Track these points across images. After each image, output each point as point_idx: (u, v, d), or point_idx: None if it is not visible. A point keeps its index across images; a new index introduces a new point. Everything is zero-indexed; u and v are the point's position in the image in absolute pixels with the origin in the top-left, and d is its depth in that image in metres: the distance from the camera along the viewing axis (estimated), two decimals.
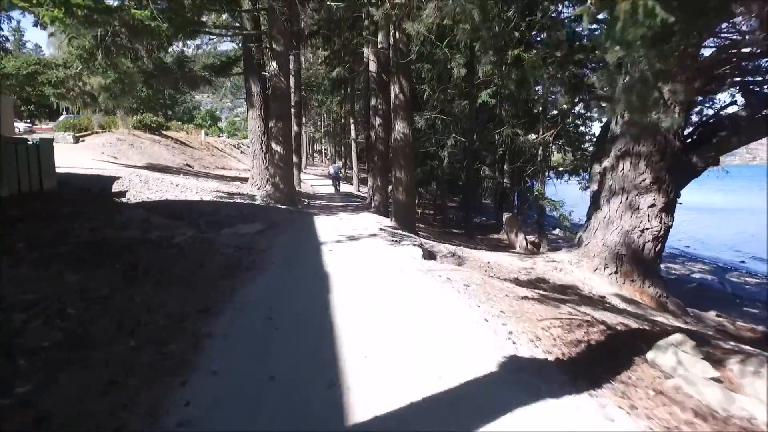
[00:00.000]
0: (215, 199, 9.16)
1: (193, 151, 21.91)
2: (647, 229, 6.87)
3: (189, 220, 7.72)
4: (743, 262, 18.81)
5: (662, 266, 7.89)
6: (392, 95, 7.41)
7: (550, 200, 13.53)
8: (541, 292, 4.87)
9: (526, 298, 4.31)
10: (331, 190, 17.96)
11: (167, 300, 3.40)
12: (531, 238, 13.36)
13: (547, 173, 15.12)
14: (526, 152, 15.64)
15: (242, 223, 7.12)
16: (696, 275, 14.92)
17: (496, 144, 15.76)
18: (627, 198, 7.00)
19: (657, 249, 7.01)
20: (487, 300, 4.05)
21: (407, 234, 7.21)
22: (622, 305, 5.92)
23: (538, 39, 15.80)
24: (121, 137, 17.75)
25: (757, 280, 14.54)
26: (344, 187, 22.02)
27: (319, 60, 25.99)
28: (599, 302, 5.63)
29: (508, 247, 14.03)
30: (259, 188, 11.84)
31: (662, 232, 6.91)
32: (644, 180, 6.83)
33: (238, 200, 9.39)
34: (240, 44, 14.13)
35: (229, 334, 2.83)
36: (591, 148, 17.79)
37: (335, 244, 5.98)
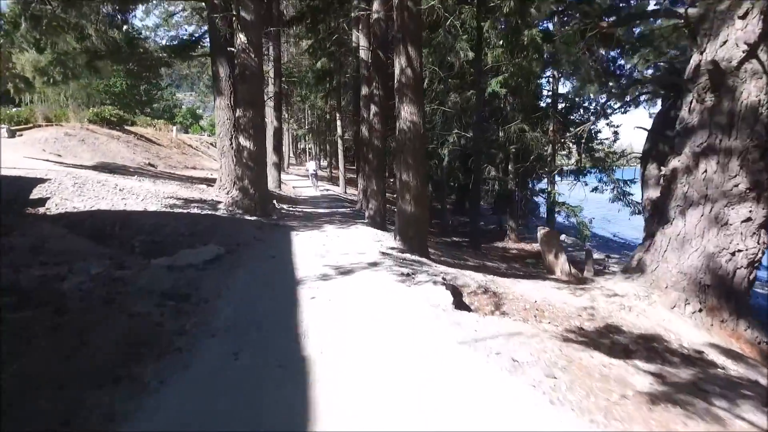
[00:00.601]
0: (164, 209, 7.08)
1: (159, 149, 19.53)
2: (740, 251, 5.12)
3: (120, 241, 5.66)
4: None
5: None
6: (397, 71, 5.41)
7: (569, 206, 11.78)
8: (652, 369, 3.05)
9: (654, 399, 2.47)
10: (315, 192, 16.13)
11: None
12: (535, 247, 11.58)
13: (561, 175, 13.38)
14: (533, 151, 13.95)
15: (189, 246, 5.10)
16: None
17: (500, 142, 14.01)
18: (711, 210, 5.24)
19: (751, 278, 5.29)
20: (601, 413, 2.20)
21: (419, 259, 5.29)
22: (733, 365, 4.16)
23: (541, 28, 14.15)
24: (71, 132, 15.31)
25: None
26: (329, 187, 20.04)
27: (302, 50, 23.94)
28: (713, 367, 3.85)
29: (515, 256, 12.29)
30: (227, 192, 9.75)
31: (759, 254, 5.19)
32: (737, 185, 5.08)
33: (195, 210, 7.31)
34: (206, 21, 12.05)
35: None
36: (599, 146, 16.24)
37: (320, 282, 4.04)
